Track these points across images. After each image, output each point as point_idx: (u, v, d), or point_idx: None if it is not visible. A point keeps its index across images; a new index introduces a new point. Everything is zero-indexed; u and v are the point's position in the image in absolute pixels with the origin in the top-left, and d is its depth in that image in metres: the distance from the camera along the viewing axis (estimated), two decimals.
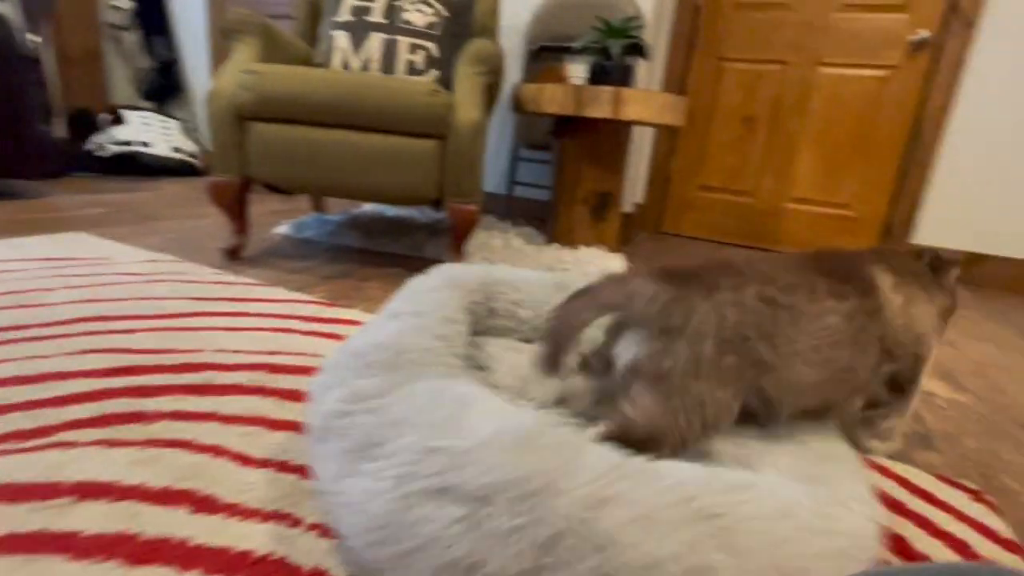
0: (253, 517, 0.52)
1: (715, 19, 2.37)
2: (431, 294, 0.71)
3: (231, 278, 1.25)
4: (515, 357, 0.73)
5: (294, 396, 0.75)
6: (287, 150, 1.32)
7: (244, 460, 0.61)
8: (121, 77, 3.23)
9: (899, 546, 0.58)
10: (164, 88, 3.17)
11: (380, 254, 1.67)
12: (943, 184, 2.14)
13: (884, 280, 0.65)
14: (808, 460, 0.57)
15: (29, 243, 1.39)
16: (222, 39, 1.45)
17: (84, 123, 2.89)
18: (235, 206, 1.40)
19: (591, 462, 0.43)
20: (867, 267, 0.65)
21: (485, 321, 0.81)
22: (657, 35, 2.28)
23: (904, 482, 0.72)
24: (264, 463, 0.61)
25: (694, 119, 2.50)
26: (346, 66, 1.57)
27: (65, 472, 0.56)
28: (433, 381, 0.53)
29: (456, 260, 1.48)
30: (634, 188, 2.47)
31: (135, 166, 2.91)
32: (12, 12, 2.43)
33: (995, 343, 1.45)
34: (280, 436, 0.66)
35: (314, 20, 1.78)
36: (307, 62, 1.66)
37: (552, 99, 1.58)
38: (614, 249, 1.88)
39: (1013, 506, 0.71)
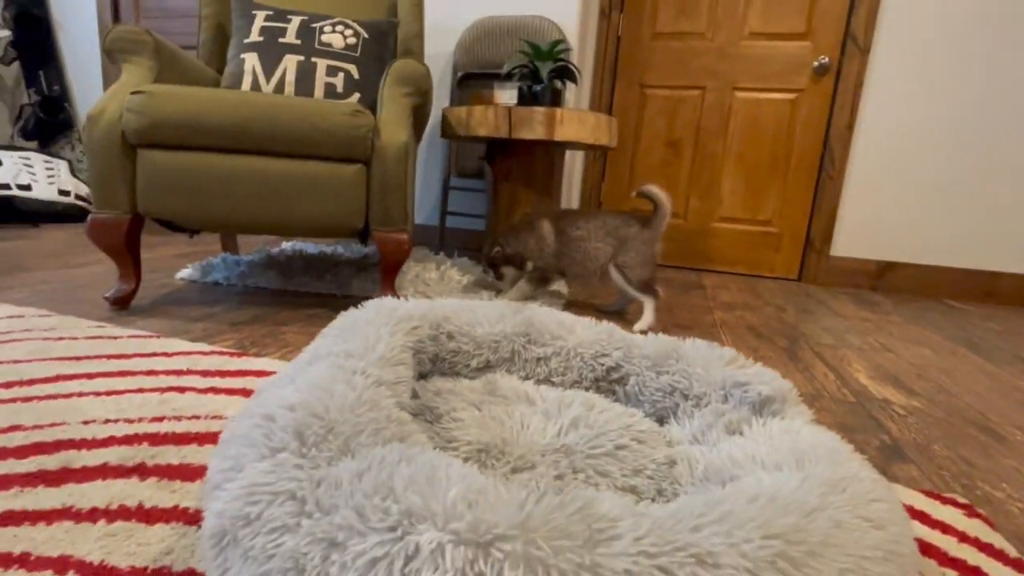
0: None
1: (635, 48, 2.44)
2: (366, 329, 0.59)
3: (115, 331, 1.05)
4: (470, 399, 0.62)
5: (184, 474, 0.59)
6: (185, 180, 1.16)
7: (98, 572, 0.45)
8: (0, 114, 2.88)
9: None
10: (49, 125, 2.85)
11: (300, 294, 1.51)
12: (855, 198, 2.27)
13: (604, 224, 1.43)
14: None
15: None
16: (109, 61, 1.27)
17: None
18: (122, 248, 1.21)
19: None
20: (603, 218, 1.43)
21: (431, 361, 0.69)
22: (582, 63, 2.30)
23: None
24: (133, 573, 0.45)
25: (622, 144, 2.53)
26: (257, 90, 1.43)
27: None
28: (379, 452, 0.39)
29: (388, 295, 1.35)
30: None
31: (11, 212, 2.56)
32: None
33: (927, 346, 1.49)
34: (160, 532, 0.50)
35: (221, 44, 1.63)
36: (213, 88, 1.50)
37: (483, 121, 1.51)
38: None
39: (1003, 517, 0.67)
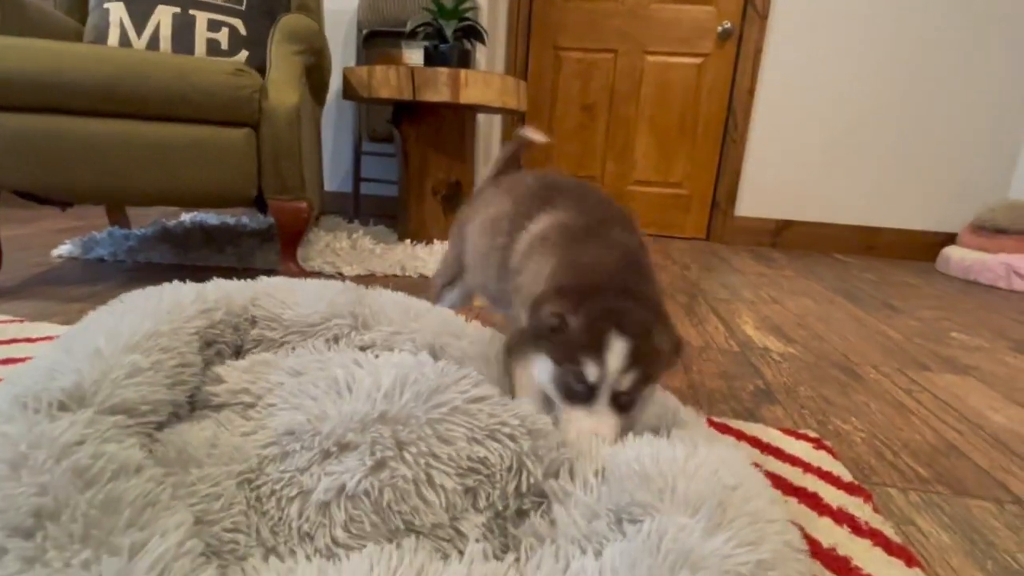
0: None
1: (548, 8, 2.40)
2: (125, 322, 0.46)
3: None
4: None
5: None
6: (41, 147, 1.04)
7: None
8: None
9: None
10: None
11: (198, 268, 1.42)
12: (755, 160, 2.40)
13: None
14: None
15: None
16: None
17: None
18: None
19: None
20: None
21: (235, 353, 0.58)
22: (495, 24, 2.25)
23: (756, 441, 0.72)
24: None
25: (538, 107, 2.52)
26: (125, 45, 1.30)
27: None
28: None
29: (290, 267, 1.30)
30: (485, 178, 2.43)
31: None
32: None
33: (810, 296, 1.62)
34: None
35: None
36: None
37: (384, 82, 1.45)
38: None
39: (846, 446, 0.75)
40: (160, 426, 0.42)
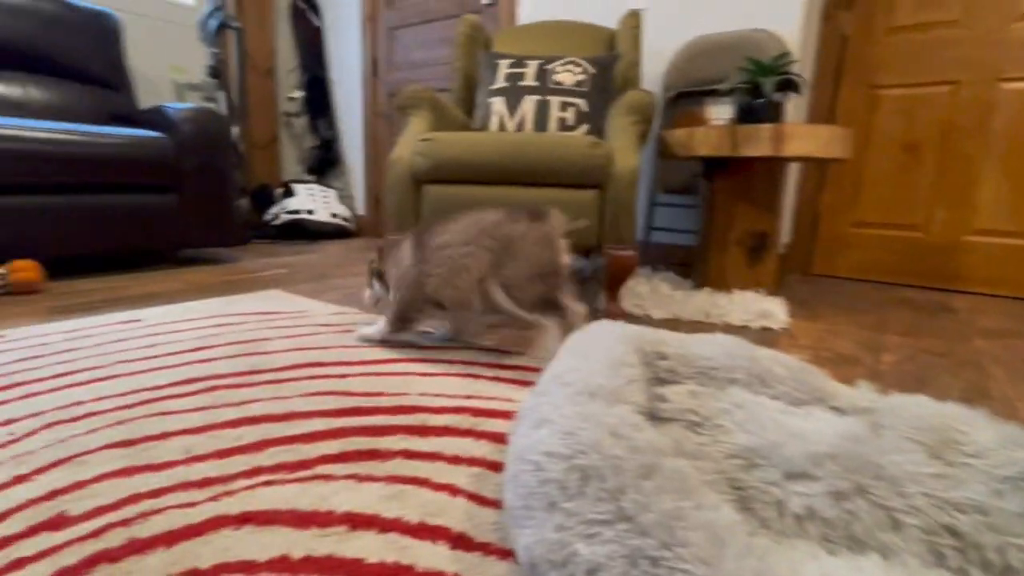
0: (509, 558, 0.53)
1: (865, 47, 2.24)
2: (604, 353, 0.60)
3: None
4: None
5: (504, 440, 0.77)
6: (457, 208, 1.43)
7: (480, 500, 0.63)
8: (290, 155, 3.75)
9: None
10: (324, 162, 3.62)
11: None
12: None
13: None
14: None
15: (240, 300, 1.61)
16: (399, 115, 1.63)
17: (263, 197, 3.37)
18: None
19: None
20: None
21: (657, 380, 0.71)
22: (802, 70, 2.19)
23: None
24: (498, 504, 0.62)
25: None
26: (502, 128, 1.69)
27: (332, 502, 0.61)
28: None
29: (613, 308, 1.48)
30: (782, 228, 2.33)
31: (301, 231, 3.32)
32: (222, 108, 2.93)
33: None
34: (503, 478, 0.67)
35: (468, 90, 1.94)
36: (465, 128, 1.81)
37: (705, 141, 1.57)
38: (771, 292, 1.77)
39: None
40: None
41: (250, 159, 3.43)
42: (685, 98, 2.19)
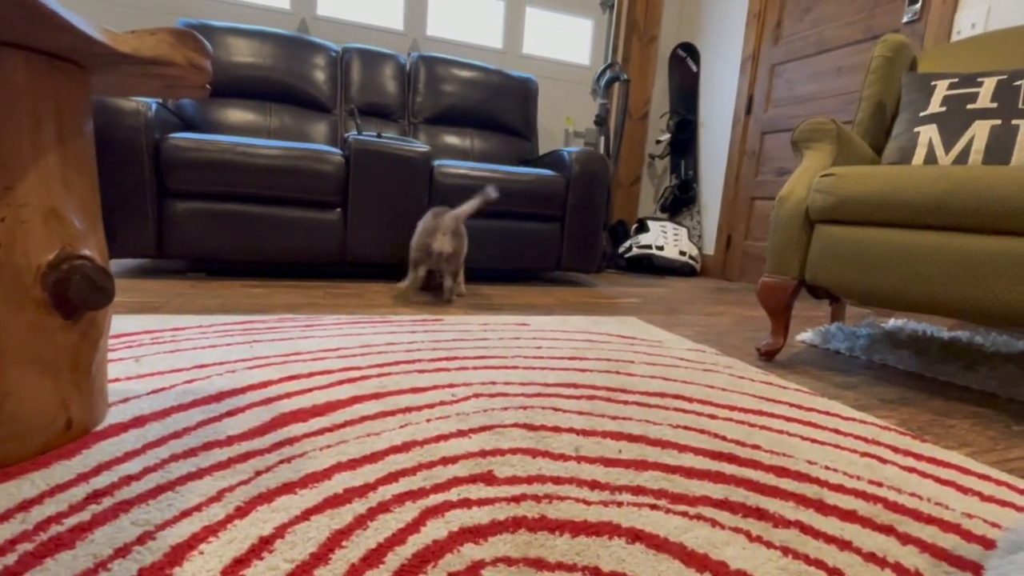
0: None
1: None
2: None
3: (781, 382, 1.20)
4: None
5: (949, 558, 0.58)
6: (858, 254, 1.21)
7: None
8: (648, 193, 3.95)
9: None
10: (679, 201, 3.68)
11: (947, 385, 1.32)
12: None
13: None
14: None
15: (603, 321, 1.74)
16: (793, 150, 1.50)
17: (619, 231, 3.64)
18: (782, 308, 1.37)
19: None
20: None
21: None
22: None
23: None
24: None
25: None
26: (930, 161, 1.37)
27: (724, 553, 0.56)
28: None
29: None
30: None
31: (647, 265, 3.44)
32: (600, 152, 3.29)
33: None
34: None
35: (877, 120, 1.66)
36: (873, 163, 1.54)
37: None
38: None
39: None
40: None
41: (613, 196, 3.75)
42: None
